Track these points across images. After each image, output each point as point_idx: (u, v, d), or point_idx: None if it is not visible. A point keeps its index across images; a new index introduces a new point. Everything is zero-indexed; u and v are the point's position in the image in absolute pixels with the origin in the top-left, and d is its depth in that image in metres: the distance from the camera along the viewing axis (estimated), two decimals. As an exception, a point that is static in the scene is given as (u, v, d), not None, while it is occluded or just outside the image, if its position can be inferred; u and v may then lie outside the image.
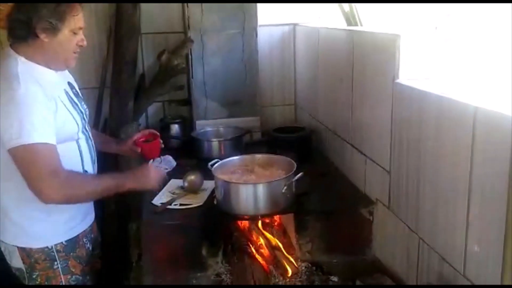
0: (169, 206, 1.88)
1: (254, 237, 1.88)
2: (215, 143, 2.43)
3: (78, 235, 1.80)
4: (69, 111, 1.69)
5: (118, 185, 1.69)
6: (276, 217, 1.88)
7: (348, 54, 2.00)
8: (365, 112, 1.89)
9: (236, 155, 2.22)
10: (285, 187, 1.75)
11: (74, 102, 1.76)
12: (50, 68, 1.68)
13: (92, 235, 1.92)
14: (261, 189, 1.76)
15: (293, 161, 1.88)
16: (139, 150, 2.00)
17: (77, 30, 1.65)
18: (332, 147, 2.32)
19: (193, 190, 2.02)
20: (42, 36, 1.59)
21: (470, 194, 1.23)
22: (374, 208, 1.83)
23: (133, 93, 2.58)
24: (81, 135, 1.76)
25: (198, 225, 1.80)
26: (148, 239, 1.77)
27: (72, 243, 1.78)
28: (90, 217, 1.91)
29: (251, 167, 1.96)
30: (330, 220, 1.86)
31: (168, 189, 2.05)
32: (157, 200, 1.93)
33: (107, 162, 2.21)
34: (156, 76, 2.62)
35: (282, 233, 1.88)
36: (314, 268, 1.80)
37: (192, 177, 2.04)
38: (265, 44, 2.78)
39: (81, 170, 1.75)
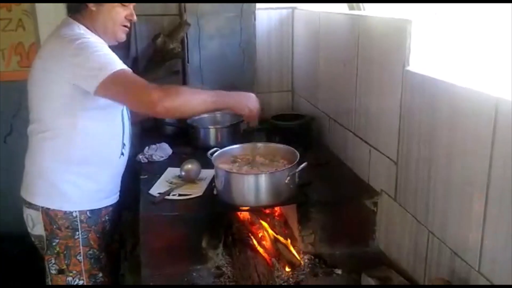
0: (167, 197, 1.81)
1: (256, 229, 1.82)
2: (211, 130, 2.36)
3: (101, 209, 1.82)
4: None
5: (219, 98, 1.69)
6: (278, 208, 1.82)
7: (352, 39, 1.93)
8: (370, 100, 1.83)
9: (234, 142, 2.16)
10: (288, 178, 1.69)
11: None
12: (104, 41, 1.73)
13: (114, 216, 1.92)
14: (263, 179, 1.70)
15: (295, 151, 1.82)
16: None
17: (126, 2, 1.74)
18: (332, 136, 2.26)
19: (191, 179, 1.95)
20: (90, 5, 1.69)
21: (488, 188, 1.18)
22: (379, 199, 1.79)
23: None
24: (124, 111, 1.84)
25: (198, 216, 1.74)
26: (146, 230, 1.70)
27: (95, 216, 1.81)
28: (115, 197, 1.92)
29: (252, 156, 1.89)
30: (333, 211, 1.80)
31: (165, 178, 1.98)
32: (155, 190, 1.86)
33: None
34: (150, 60, 2.53)
35: (284, 225, 1.83)
36: (317, 260, 1.75)
37: (189, 166, 1.97)
38: (263, 28, 2.70)
39: (120, 144, 1.81)
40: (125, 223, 2.12)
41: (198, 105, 1.65)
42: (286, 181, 1.70)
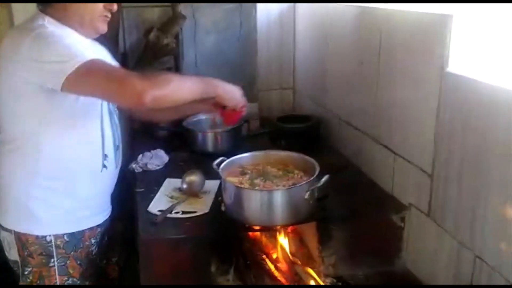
0: (169, 215, 1.59)
1: (270, 249, 1.63)
2: (210, 134, 2.13)
3: (83, 231, 1.59)
4: None
5: (207, 85, 1.54)
6: (296, 227, 1.63)
7: (372, 35, 1.73)
8: (395, 103, 1.64)
9: (234, 148, 2.00)
10: (307, 193, 1.50)
11: None
12: (81, 34, 1.53)
13: (103, 237, 1.68)
14: (280, 196, 1.50)
15: (313, 161, 1.62)
16: (218, 113, 1.77)
17: None
18: (344, 139, 2.07)
19: (193, 193, 1.73)
20: None
21: None
22: (407, 214, 1.61)
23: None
24: (105, 116, 1.58)
25: (205, 237, 1.53)
26: (147, 254, 1.49)
27: (76, 240, 1.57)
28: (104, 215, 1.69)
29: (263, 166, 1.69)
30: (355, 228, 1.62)
31: (164, 192, 1.76)
32: (154, 207, 1.64)
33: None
34: (141, 56, 2.29)
35: (301, 243, 1.63)
36: (339, 283, 1.57)
37: (192, 178, 1.75)
38: (262, 20, 2.47)
39: (100, 154, 1.59)
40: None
41: (187, 93, 1.47)
42: (306, 197, 1.50)
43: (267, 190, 1.51)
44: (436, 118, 1.41)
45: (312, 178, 1.53)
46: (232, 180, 1.59)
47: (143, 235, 1.49)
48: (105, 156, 1.59)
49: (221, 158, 1.67)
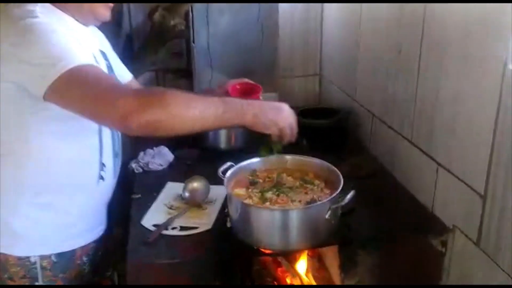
0: (165, 231, 1.35)
1: (282, 272, 1.38)
2: (222, 130, 1.87)
3: (75, 250, 1.35)
4: None
5: (230, 111, 1.12)
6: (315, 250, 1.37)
7: (414, 20, 1.43)
8: (443, 102, 1.34)
9: (251, 145, 1.73)
10: (329, 212, 1.24)
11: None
12: (79, 22, 1.29)
13: (97, 253, 1.46)
14: (295, 217, 1.24)
15: (337, 172, 1.35)
16: None
17: None
18: (377, 139, 1.78)
19: (196, 203, 1.49)
20: None
21: None
22: (450, 237, 1.33)
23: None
24: None
25: (207, 259, 1.29)
26: (135, 280, 1.26)
27: (65, 260, 1.34)
28: (99, 230, 1.46)
29: (277, 174, 1.43)
30: (385, 251, 1.35)
31: (163, 200, 1.52)
32: (149, 220, 1.41)
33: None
34: (147, 39, 2.04)
35: (322, 270, 1.38)
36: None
37: (194, 185, 1.51)
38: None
39: (97, 164, 1.34)
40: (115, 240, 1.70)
41: (195, 121, 1.09)
42: (327, 217, 1.24)
43: (280, 210, 1.25)
44: (495, 124, 1.12)
45: (335, 194, 1.26)
46: (239, 193, 1.34)
47: (131, 258, 1.26)
48: (102, 166, 1.35)
49: (228, 164, 1.41)
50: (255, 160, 1.47)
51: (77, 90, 1.09)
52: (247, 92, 1.57)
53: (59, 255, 1.32)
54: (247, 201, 1.30)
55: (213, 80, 2.05)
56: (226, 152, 1.85)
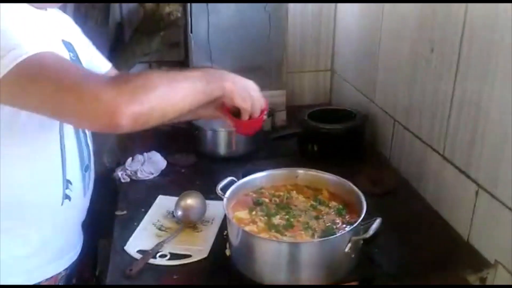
0: (152, 260, 1.14)
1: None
2: (222, 133, 1.64)
3: (39, 283, 1.13)
4: None
5: (212, 82, 0.99)
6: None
7: (452, 13, 1.20)
8: (485, 111, 1.11)
9: (254, 151, 1.64)
10: (349, 245, 1.02)
11: None
12: (33, 6, 1.04)
13: (72, 279, 1.24)
14: (309, 250, 1.02)
15: (358, 192, 1.13)
16: (228, 121, 1.19)
17: None
18: (400, 149, 1.55)
19: (190, 222, 1.27)
20: None
21: None
22: (491, 275, 1.11)
23: (106, 50, 1.76)
24: (68, 126, 1.09)
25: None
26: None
27: None
28: (71, 255, 1.23)
29: (285, 191, 1.22)
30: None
31: (151, 219, 1.30)
32: (133, 245, 1.19)
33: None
34: (139, 27, 1.81)
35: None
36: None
37: (188, 202, 1.29)
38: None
39: (59, 182, 1.09)
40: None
41: (183, 100, 0.93)
42: (347, 250, 1.02)
43: (291, 243, 1.03)
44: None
45: (356, 224, 1.04)
46: (241, 217, 1.12)
47: (108, 296, 1.04)
48: (67, 184, 1.11)
49: (228, 179, 1.20)
50: (260, 174, 1.25)
51: (40, 85, 0.85)
52: None
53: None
54: (250, 228, 1.08)
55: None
56: (225, 158, 1.64)
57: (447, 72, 1.24)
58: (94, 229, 1.47)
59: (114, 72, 1.34)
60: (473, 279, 1.13)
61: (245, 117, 1.10)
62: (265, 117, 1.20)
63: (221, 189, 1.17)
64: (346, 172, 1.46)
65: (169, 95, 0.91)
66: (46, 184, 1.07)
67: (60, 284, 1.18)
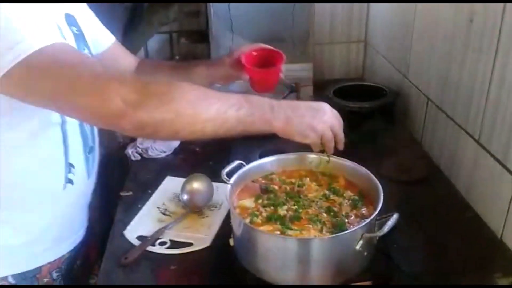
0: (151, 248, 1.07)
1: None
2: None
3: (40, 268, 1.08)
4: None
5: (254, 113, 0.87)
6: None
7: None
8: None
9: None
10: (360, 242, 0.91)
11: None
12: None
13: (75, 265, 1.18)
14: (315, 247, 0.92)
15: (376, 182, 1.01)
16: (246, 76, 1.18)
17: None
18: (431, 131, 1.41)
19: (196, 207, 1.19)
20: None
21: None
22: (526, 280, 0.98)
23: (122, 20, 1.67)
24: None
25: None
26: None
27: (28, 281, 1.06)
28: (75, 239, 1.17)
29: (297, 180, 1.11)
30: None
31: (156, 203, 1.23)
32: (134, 230, 1.12)
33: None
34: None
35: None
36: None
37: (194, 186, 1.21)
38: None
39: (62, 166, 1.02)
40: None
41: (206, 123, 0.84)
42: (358, 248, 0.91)
43: (295, 239, 0.93)
44: None
45: (370, 219, 0.93)
46: (245, 206, 1.03)
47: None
48: (69, 167, 1.04)
49: (236, 163, 1.10)
50: (270, 159, 1.15)
51: (47, 81, 0.80)
52: (267, 62, 1.24)
53: (18, 275, 1.04)
54: (253, 219, 0.99)
55: (234, 46, 1.71)
56: (244, 136, 1.53)
57: (487, 49, 1.08)
58: (104, 210, 1.42)
59: (119, 48, 1.25)
60: (502, 281, 1.00)
61: (315, 150, 0.98)
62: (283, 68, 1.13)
63: (227, 174, 1.07)
64: (371, 156, 1.35)
65: (188, 113, 0.82)
66: (47, 169, 1.01)
67: (63, 267, 1.13)
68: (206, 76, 1.24)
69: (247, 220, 0.98)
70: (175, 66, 1.34)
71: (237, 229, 1.00)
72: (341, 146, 1.00)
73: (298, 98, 1.75)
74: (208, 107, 0.83)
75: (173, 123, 0.82)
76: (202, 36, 1.78)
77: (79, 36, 1.03)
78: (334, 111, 0.97)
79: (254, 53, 1.24)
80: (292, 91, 1.63)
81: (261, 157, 1.18)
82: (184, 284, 1.00)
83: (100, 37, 1.19)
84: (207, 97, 0.85)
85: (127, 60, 1.27)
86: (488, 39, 1.08)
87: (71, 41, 0.98)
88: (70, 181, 1.04)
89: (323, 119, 0.93)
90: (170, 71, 1.27)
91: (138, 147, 1.45)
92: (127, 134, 0.85)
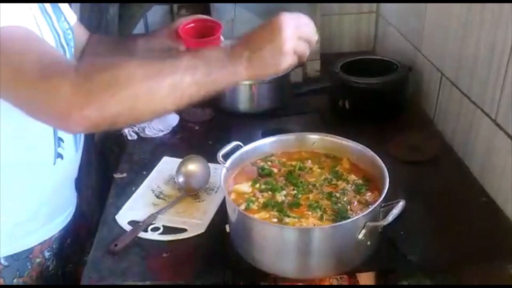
0: (143, 234, 1.01)
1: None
2: (242, 86, 1.46)
3: (32, 248, 1.04)
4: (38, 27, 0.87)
5: (219, 69, 0.78)
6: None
7: None
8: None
9: (278, 107, 1.47)
10: (363, 231, 0.84)
11: (46, 12, 0.94)
12: None
13: (65, 243, 1.14)
14: (314, 237, 0.86)
15: (382, 166, 0.94)
16: (183, 48, 1.10)
17: None
18: (444, 108, 1.32)
19: (192, 190, 1.13)
20: None
21: None
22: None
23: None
24: None
25: (193, 282, 0.94)
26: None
27: (19, 262, 1.03)
28: (64, 215, 1.12)
29: (297, 162, 1.04)
30: (447, 282, 0.95)
31: (150, 185, 1.17)
32: (125, 215, 1.07)
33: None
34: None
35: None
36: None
37: (190, 168, 1.14)
38: None
39: (51, 140, 0.97)
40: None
41: (166, 97, 0.75)
42: (360, 237, 0.85)
43: (292, 228, 0.86)
44: None
45: (375, 206, 0.86)
46: (241, 191, 0.97)
47: (86, 276, 0.93)
48: (59, 142, 0.99)
49: (233, 145, 1.03)
50: (269, 140, 1.08)
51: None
52: (205, 32, 1.14)
53: (10, 257, 1.01)
54: (249, 205, 0.93)
55: (236, 19, 1.63)
56: (246, 115, 1.47)
57: (504, 21, 0.98)
58: (95, 189, 1.37)
59: (79, 26, 1.17)
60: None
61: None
62: (222, 38, 1.05)
63: (223, 156, 1.00)
64: (381, 135, 1.29)
65: (146, 93, 0.73)
66: (37, 144, 0.95)
67: (54, 246, 1.09)
68: (147, 50, 1.14)
69: (242, 207, 0.92)
70: (117, 41, 1.27)
71: (232, 215, 0.94)
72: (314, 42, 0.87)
73: (304, 73, 1.68)
74: (160, 83, 0.74)
75: (130, 112, 0.74)
76: (202, 8, 1.69)
77: (44, 11, 0.95)
78: (293, 17, 0.80)
79: (192, 24, 1.15)
80: (300, 65, 1.55)
81: (263, 136, 1.12)
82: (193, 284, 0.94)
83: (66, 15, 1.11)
84: (155, 71, 0.75)
85: (85, 38, 1.20)
86: (505, 10, 0.98)
87: (38, 14, 0.90)
88: (60, 156, 0.98)
89: (286, 37, 0.78)
90: (113, 46, 1.19)
91: (135, 125, 1.39)
92: (78, 133, 0.76)
